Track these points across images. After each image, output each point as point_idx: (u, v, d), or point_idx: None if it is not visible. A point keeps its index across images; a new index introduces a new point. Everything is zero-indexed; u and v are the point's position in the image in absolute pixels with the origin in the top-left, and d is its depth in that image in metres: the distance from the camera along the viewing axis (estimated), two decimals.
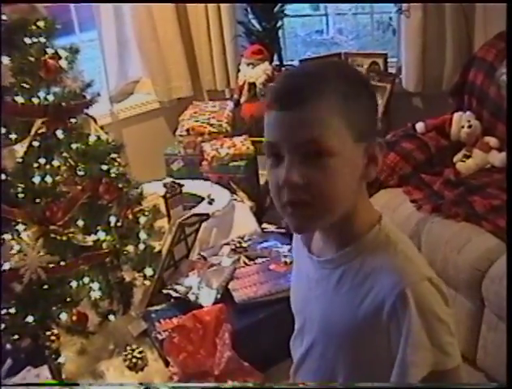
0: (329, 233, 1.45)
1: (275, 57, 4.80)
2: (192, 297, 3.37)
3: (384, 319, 1.33)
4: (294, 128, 1.30)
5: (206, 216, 3.80)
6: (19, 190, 3.09)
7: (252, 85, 4.40)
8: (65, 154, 3.21)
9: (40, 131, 3.14)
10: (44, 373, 2.87)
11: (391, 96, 4.45)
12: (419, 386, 1.43)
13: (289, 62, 4.99)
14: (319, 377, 1.53)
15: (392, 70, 4.66)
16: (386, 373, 1.36)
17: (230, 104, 4.61)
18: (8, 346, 3.10)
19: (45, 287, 3.15)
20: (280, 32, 4.85)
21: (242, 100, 4.45)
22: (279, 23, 4.71)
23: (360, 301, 1.37)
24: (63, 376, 3.06)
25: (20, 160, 3.06)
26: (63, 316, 3.16)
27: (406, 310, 1.30)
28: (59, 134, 3.18)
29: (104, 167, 3.30)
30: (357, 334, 1.39)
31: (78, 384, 2.71)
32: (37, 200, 3.10)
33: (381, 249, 1.38)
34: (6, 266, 3.04)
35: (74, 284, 3.21)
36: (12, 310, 3.09)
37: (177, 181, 4.02)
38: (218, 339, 2.91)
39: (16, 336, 3.08)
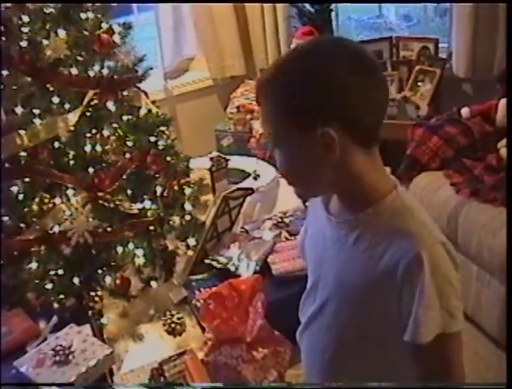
0: (344, 198, 1.51)
1: None
2: (232, 268, 3.47)
3: (398, 280, 1.37)
4: (262, 123, 1.49)
5: (250, 191, 3.86)
6: (71, 157, 3.22)
7: None
8: (115, 125, 3.31)
9: (92, 102, 3.26)
10: (86, 331, 2.97)
11: (441, 80, 4.44)
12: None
13: None
14: (329, 334, 1.58)
15: (443, 56, 4.64)
16: (394, 333, 1.42)
17: None
18: (55, 305, 3.23)
19: (92, 251, 3.27)
20: (333, 15, 4.87)
21: None
22: (331, 6, 4.72)
23: (375, 262, 1.41)
24: (104, 336, 3.18)
25: (72, 129, 3.18)
26: (107, 279, 3.28)
27: (420, 272, 1.34)
28: (110, 105, 3.28)
29: (153, 139, 3.40)
30: (370, 293, 1.44)
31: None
32: (87, 168, 3.22)
33: (397, 213, 1.42)
34: (56, 229, 3.17)
35: (119, 249, 3.32)
36: (60, 272, 3.22)
37: (223, 155, 4.09)
38: (251, 307, 2.99)
39: (62, 296, 3.21)
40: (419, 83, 4.49)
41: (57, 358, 2.75)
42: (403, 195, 1.46)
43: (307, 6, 4.70)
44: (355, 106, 1.37)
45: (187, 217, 3.57)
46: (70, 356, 2.76)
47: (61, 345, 2.81)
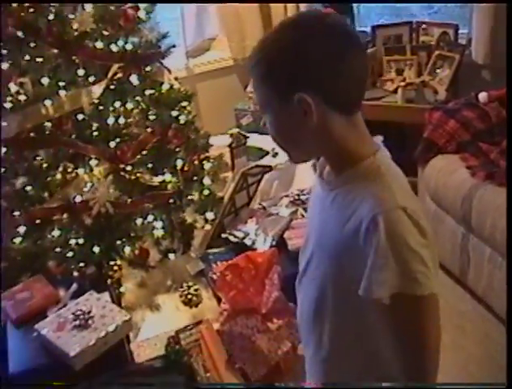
0: (329, 161, 1.60)
1: (349, 22, 4.83)
2: (248, 242, 3.51)
3: (361, 240, 1.44)
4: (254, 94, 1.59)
5: (268, 168, 3.91)
6: (94, 128, 3.27)
7: None
8: (138, 98, 3.36)
9: (116, 76, 3.31)
10: (105, 298, 3.03)
11: (460, 66, 4.46)
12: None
13: (362, 28, 5.03)
14: (314, 287, 1.67)
15: (462, 42, 4.65)
16: None
17: None
18: (75, 273, 3.29)
19: (112, 221, 3.33)
20: None
21: None
22: None
23: (345, 221, 1.48)
24: (122, 304, 3.23)
25: (96, 101, 3.23)
26: (127, 250, 3.34)
27: (376, 233, 1.40)
28: (134, 79, 3.34)
29: (174, 113, 3.45)
30: (342, 252, 1.52)
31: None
32: (110, 140, 3.27)
33: (369, 178, 1.49)
34: (78, 198, 3.23)
35: (139, 221, 3.38)
36: (80, 241, 3.28)
37: (243, 132, 4.14)
38: (267, 280, 3.03)
39: (82, 264, 3.27)
40: (438, 69, 4.52)
41: (77, 322, 2.81)
42: (381, 161, 1.52)
43: None
44: (329, 75, 1.43)
45: (206, 192, 3.63)
46: (90, 321, 2.82)
47: (81, 310, 2.87)
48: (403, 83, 4.38)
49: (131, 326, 2.98)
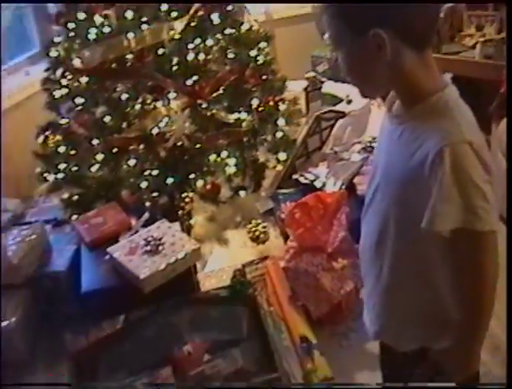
0: (399, 96, 1.61)
1: None
2: (318, 185, 3.54)
3: (426, 172, 1.45)
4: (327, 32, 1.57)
5: (342, 114, 3.92)
6: (174, 63, 3.32)
7: None
8: (218, 36, 3.39)
9: (197, 13, 3.35)
10: (175, 227, 3.09)
11: None
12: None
13: None
14: (376, 219, 1.70)
15: None
16: None
17: None
18: (147, 203, 3.38)
19: (186, 155, 3.40)
20: None
21: None
22: None
23: (412, 154, 1.50)
24: (192, 236, 3.30)
25: (177, 37, 3.28)
26: (199, 183, 3.41)
27: (441, 166, 1.41)
28: (215, 17, 3.37)
29: (253, 53, 3.48)
30: (407, 184, 1.54)
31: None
32: (188, 75, 3.32)
33: (437, 112, 1.50)
34: (155, 130, 3.29)
35: (212, 157, 3.43)
36: (155, 172, 3.36)
37: (319, 77, 4.14)
38: (335, 220, 3.06)
39: (156, 194, 3.35)
40: None
41: (148, 248, 2.89)
42: (449, 96, 1.53)
43: None
44: (403, 12, 1.44)
45: (279, 133, 3.66)
46: (160, 248, 2.90)
47: (152, 236, 2.95)
48: (482, 39, 4.28)
49: (200, 255, 3.04)
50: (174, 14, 3.29)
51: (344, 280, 3.00)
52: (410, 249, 1.63)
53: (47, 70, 3.58)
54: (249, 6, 3.74)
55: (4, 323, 3.04)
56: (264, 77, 3.57)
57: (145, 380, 2.72)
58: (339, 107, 4.06)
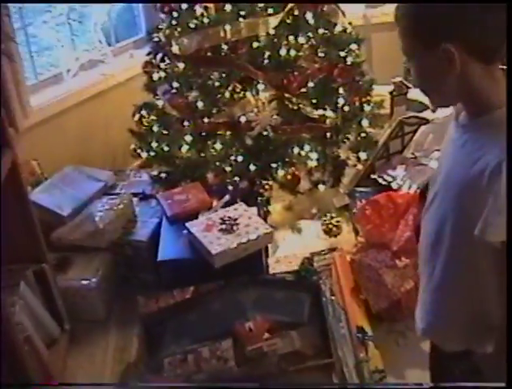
0: (466, 107, 1.67)
1: None
2: (394, 186, 3.61)
3: (484, 182, 1.51)
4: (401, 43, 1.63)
5: (425, 121, 3.97)
6: (266, 57, 3.47)
7: None
8: (310, 34, 3.52)
9: (292, 11, 3.48)
10: (252, 211, 3.23)
11: None
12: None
13: None
14: (434, 222, 1.76)
15: None
16: None
17: None
18: (229, 186, 3.54)
19: (271, 145, 3.54)
20: None
21: None
22: None
23: (473, 163, 1.56)
24: (268, 222, 3.44)
25: (272, 32, 3.42)
26: (280, 173, 3.54)
27: (499, 178, 1.48)
28: (309, 17, 3.50)
29: (342, 54, 3.59)
30: (466, 190, 1.60)
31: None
32: (279, 69, 3.46)
33: (500, 126, 1.54)
34: (243, 118, 3.45)
35: (296, 149, 3.55)
36: (240, 158, 3.51)
37: (405, 82, 4.21)
38: (403, 220, 3.15)
39: (237, 178, 3.51)
40: None
41: (224, 227, 3.05)
42: None
43: None
44: (472, 27, 1.51)
45: (362, 133, 3.76)
46: (235, 227, 3.05)
47: (229, 217, 3.11)
48: None
49: (271, 238, 3.18)
50: (270, 10, 3.43)
51: (405, 279, 3.08)
52: (463, 253, 1.69)
53: (149, 54, 3.80)
54: (347, 8, 3.85)
55: (85, 282, 3.28)
56: (353, 77, 3.66)
57: (206, 349, 2.90)
58: (423, 114, 4.11)
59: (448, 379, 2.03)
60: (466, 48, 1.53)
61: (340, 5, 3.76)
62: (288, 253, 3.41)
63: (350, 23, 3.80)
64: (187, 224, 3.12)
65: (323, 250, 3.28)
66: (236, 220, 3.09)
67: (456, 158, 1.68)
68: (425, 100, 4.07)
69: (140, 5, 4.73)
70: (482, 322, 1.76)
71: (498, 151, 1.50)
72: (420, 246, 1.93)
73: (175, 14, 3.59)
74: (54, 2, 4.27)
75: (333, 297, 3.12)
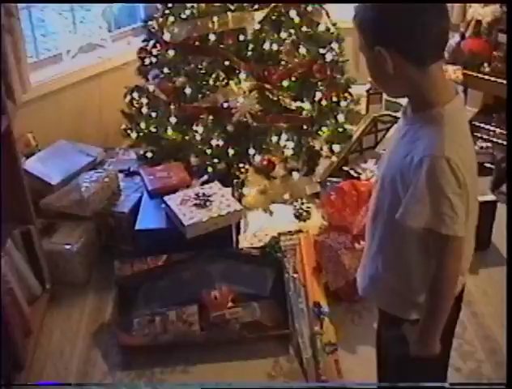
0: (409, 102, 1.85)
1: None
2: (363, 178, 3.84)
3: (411, 172, 1.71)
4: None
5: (399, 118, 4.17)
6: (250, 49, 3.66)
7: (478, 22, 4.59)
8: (292, 31, 3.71)
9: (277, 8, 3.68)
10: (226, 190, 3.44)
11: None
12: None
13: None
14: (378, 197, 1.95)
15: None
16: None
17: (456, 36, 4.79)
18: (209, 169, 3.73)
19: (250, 131, 3.69)
20: None
21: (467, 34, 4.62)
22: None
23: (406, 153, 1.75)
24: (242, 203, 3.64)
25: (257, 27, 3.62)
26: (257, 158, 3.71)
27: (419, 172, 1.67)
28: (293, 14, 3.69)
29: (322, 51, 3.79)
30: (399, 176, 1.78)
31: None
32: (261, 61, 3.65)
33: (432, 124, 1.73)
34: (225, 105, 3.65)
35: (273, 138, 3.72)
36: (220, 142, 3.71)
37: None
38: (364, 206, 3.35)
39: (216, 160, 3.71)
40: None
41: (197, 202, 3.28)
42: (447, 113, 1.74)
43: None
44: (406, 34, 1.67)
45: (338, 127, 3.95)
46: (208, 203, 3.27)
47: (203, 193, 3.33)
48: None
49: (241, 216, 3.41)
50: (256, 6, 3.61)
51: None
52: (394, 230, 1.88)
53: (144, 40, 4.01)
54: (338, 12, 4.05)
55: (67, 246, 3.49)
56: (331, 74, 3.86)
57: (173, 312, 3.12)
58: (398, 113, 4.30)
59: (383, 344, 2.26)
60: (400, 52, 1.69)
61: (330, 7, 3.94)
62: (258, 232, 3.62)
63: (334, 24, 3.96)
64: (165, 198, 3.33)
65: (290, 231, 3.48)
66: (209, 196, 3.31)
67: (396, 146, 1.87)
68: (401, 100, 4.28)
69: None
70: (407, 292, 1.97)
71: (424, 147, 1.69)
72: (367, 218, 2.12)
73: (169, 4, 3.79)
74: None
75: (295, 275, 3.32)
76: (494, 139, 4.61)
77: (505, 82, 4.45)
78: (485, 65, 4.63)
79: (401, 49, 1.69)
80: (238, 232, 3.55)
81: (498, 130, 4.68)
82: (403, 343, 1.97)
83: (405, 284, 1.96)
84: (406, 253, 1.91)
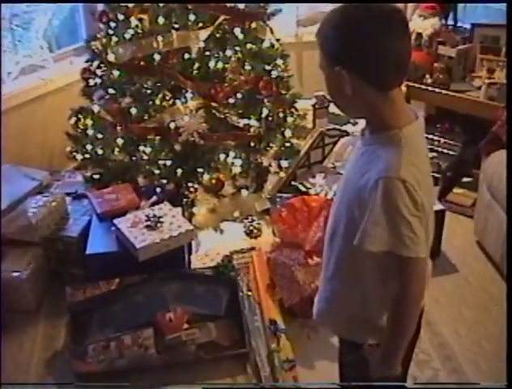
0: (366, 122, 1.82)
1: (451, 16, 5.04)
2: (312, 192, 3.87)
3: (366, 194, 1.68)
4: None
5: (345, 133, 4.23)
6: (195, 68, 3.67)
7: (419, 35, 4.70)
8: (237, 48, 3.73)
9: (222, 26, 3.70)
10: (176, 211, 3.42)
11: None
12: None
13: (464, 25, 5.16)
14: (335, 218, 1.92)
15: None
16: None
17: None
18: (158, 189, 3.72)
19: (198, 150, 3.71)
20: None
21: None
22: None
23: (362, 174, 1.72)
24: (193, 222, 3.65)
25: (202, 45, 3.63)
26: (205, 177, 3.72)
27: (375, 193, 1.64)
28: (237, 32, 3.72)
29: (268, 67, 3.82)
30: (354, 198, 1.76)
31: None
32: (207, 79, 3.66)
33: (389, 146, 1.71)
34: (172, 125, 3.64)
35: (221, 156, 3.74)
36: (168, 162, 3.70)
37: (327, 96, 4.46)
38: (316, 222, 3.39)
39: (165, 181, 3.70)
40: None
41: (148, 223, 3.25)
42: (406, 135, 1.72)
43: None
44: (365, 57, 1.66)
45: (285, 142, 3.98)
46: (159, 225, 3.25)
47: (154, 215, 3.32)
48: (487, 81, 4.55)
49: (193, 236, 3.39)
50: (200, 24, 3.63)
51: (316, 276, 3.27)
52: (350, 253, 1.85)
53: (87, 61, 3.98)
54: (280, 27, 4.09)
55: (16, 274, 3.43)
56: (278, 90, 3.89)
57: (128, 337, 3.09)
58: (345, 127, 4.36)
59: (345, 367, 2.24)
60: (359, 75, 1.68)
61: (273, 23, 3.96)
62: (210, 251, 3.62)
63: (278, 40, 3.99)
64: (115, 221, 3.30)
65: (242, 249, 3.49)
66: (160, 217, 3.29)
67: (354, 166, 1.84)
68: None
69: (82, 13, 4.90)
70: (364, 316, 1.93)
71: (379, 169, 1.66)
72: (325, 240, 2.07)
73: (112, 24, 3.77)
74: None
75: (249, 293, 3.33)
76: (439, 149, 4.69)
77: (445, 92, 4.58)
78: (427, 76, 4.75)
79: (361, 72, 1.68)
80: (190, 253, 3.54)
81: (443, 140, 4.78)
82: (365, 365, 1.95)
83: (362, 308, 1.93)
84: (363, 276, 1.88)
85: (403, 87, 4.59)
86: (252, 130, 3.79)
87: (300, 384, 3.04)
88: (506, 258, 3.40)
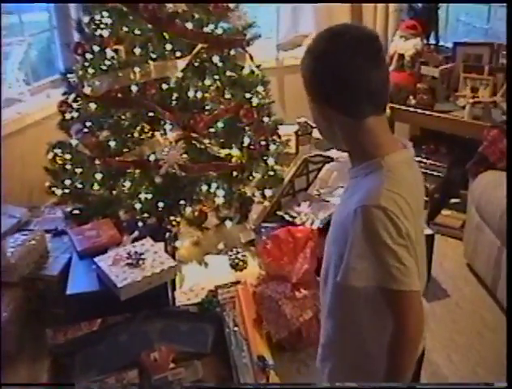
0: (349, 156, 1.81)
1: (433, 36, 5.03)
2: (298, 221, 3.82)
3: (349, 226, 1.63)
4: None
5: (330, 159, 4.19)
6: (174, 98, 3.63)
7: (401, 56, 4.69)
8: (216, 77, 3.69)
9: (200, 54, 3.66)
10: (158, 246, 3.36)
11: None
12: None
13: (446, 44, 5.15)
14: (326, 258, 1.87)
15: None
16: None
17: None
18: (139, 223, 3.67)
19: (179, 183, 3.66)
20: (444, 15, 5.06)
21: (390, 68, 4.66)
22: (439, 5, 4.91)
23: (346, 208, 1.68)
24: (176, 257, 3.59)
25: (180, 75, 3.59)
26: (188, 210, 3.68)
27: (355, 224, 1.60)
28: (216, 60, 3.68)
29: (248, 95, 3.78)
30: (342, 233, 1.70)
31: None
32: (186, 110, 3.62)
33: (372, 174, 1.68)
34: (152, 157, 3.59)
35: (203, 187, 3.69)
36: (148, 196, 3.64)
37: (310, 122, 4.43)
38: (302, 253, 3.34)
39: (146, 215, 3.64)
40: None
41: (130, 261, 3.18)
42: (389, 165, 1.68)
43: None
44: (338, 88, 1.65)
45: (269, 171, 3.93)
46: (141, 262, 3.18)
47: (136, 251, 3.25)
48: (471, 100, 4.53)
49: (176, 272, 3.32)
50: (178, 53, 3.60)
51: (304, 309, 3.26)
52: (340, 292, 1.80)
53: (64, 93, 3.93)
54: (261, 52, 4.05)
55: None
56: (259, 117, 3.85)
57: (113, 379, 3.01)
58: (328, 153, 4.33)
59: None
60: (329, 104, 1.67)
61: (252, 48, 3.94)
62: (194, 286, 3.55)
63: (258, 66, 3.96)
64: (95, 259, 3.23)
65: (227, 283, 3.44)
66: (142, 254, 3.23)
67: (343, 200, 1.83)
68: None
69: (58, 45, 4.85)
70: (360, 360, 1.85)
71: (359, 198, 1.62)
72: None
73: (88, 55, 3.72)
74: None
75: (236, 328, 3.26)
76: (425, 171, 4.66)
77: (429, 113, 4.56)
78: (411, 97, 4.72)
79: (331, 102, 1.67)
80: (174, 289, 3.47)
81: (428, 162, 4.75)
82: None
83: (357, 351, 1.86)
84: (355, 317, 1.80)
85: (388, 111, 4.57)
86: (233, 159, 3.74)
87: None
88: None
